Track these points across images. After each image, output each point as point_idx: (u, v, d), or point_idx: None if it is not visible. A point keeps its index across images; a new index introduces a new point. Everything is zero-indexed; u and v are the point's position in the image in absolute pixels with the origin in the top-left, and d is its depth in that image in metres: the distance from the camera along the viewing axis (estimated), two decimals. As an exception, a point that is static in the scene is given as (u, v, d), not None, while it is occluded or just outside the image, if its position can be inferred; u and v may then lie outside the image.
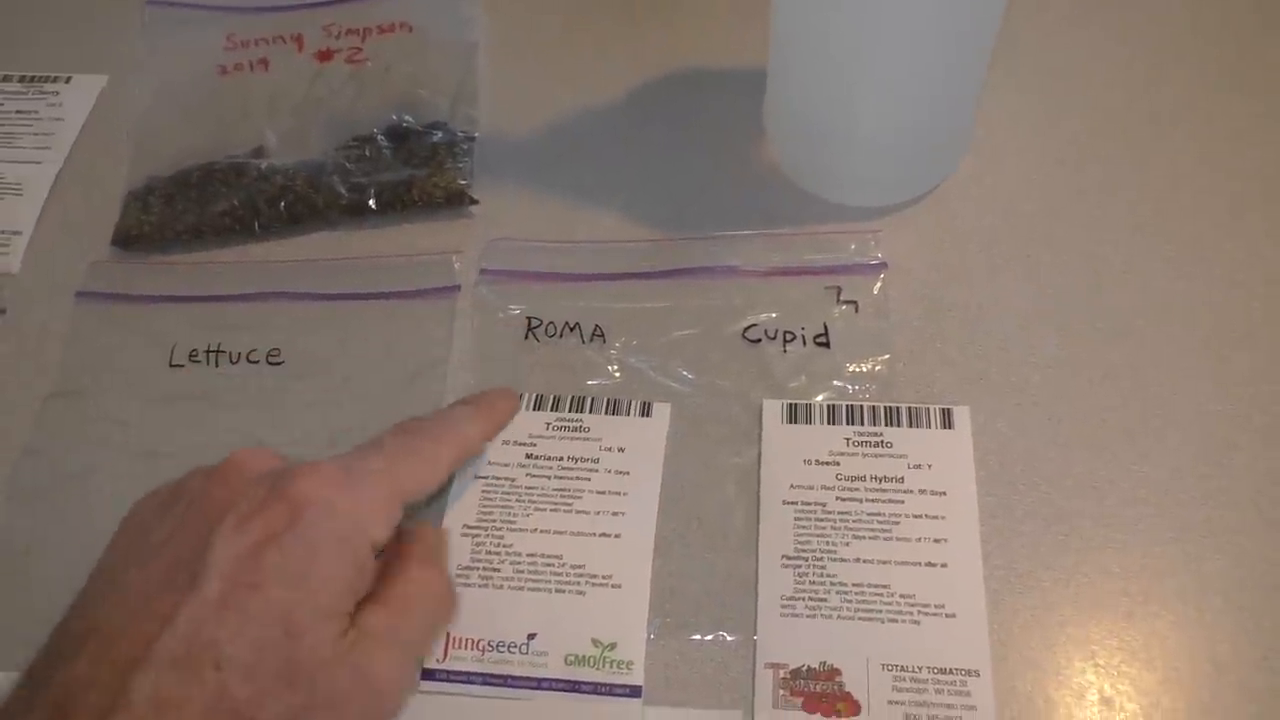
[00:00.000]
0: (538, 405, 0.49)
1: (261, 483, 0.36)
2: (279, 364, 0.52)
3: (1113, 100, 0.60)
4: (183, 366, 0.53)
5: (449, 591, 0.40)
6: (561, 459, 0.48)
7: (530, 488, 0.47)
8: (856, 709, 0.41)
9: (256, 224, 0.56)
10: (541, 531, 0.46)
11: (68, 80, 0.65)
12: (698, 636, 0.44)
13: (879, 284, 0.53)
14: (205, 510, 0.36)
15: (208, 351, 0.53)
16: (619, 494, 0.46)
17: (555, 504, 0.46)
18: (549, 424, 0.49)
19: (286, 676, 0.33)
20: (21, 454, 0.50)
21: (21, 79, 0.65)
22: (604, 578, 0.44)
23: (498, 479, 0.47)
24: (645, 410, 0.49)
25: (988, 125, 0.58)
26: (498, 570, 0.45)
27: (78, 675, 0.32)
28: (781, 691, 0.42)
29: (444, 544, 0.43)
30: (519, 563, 0.45)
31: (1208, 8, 0.64)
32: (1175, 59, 0.62)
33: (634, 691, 0.42)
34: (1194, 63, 0.61)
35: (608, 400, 0.49)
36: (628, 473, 0.47)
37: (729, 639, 0.44)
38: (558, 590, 0.44)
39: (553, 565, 0.45)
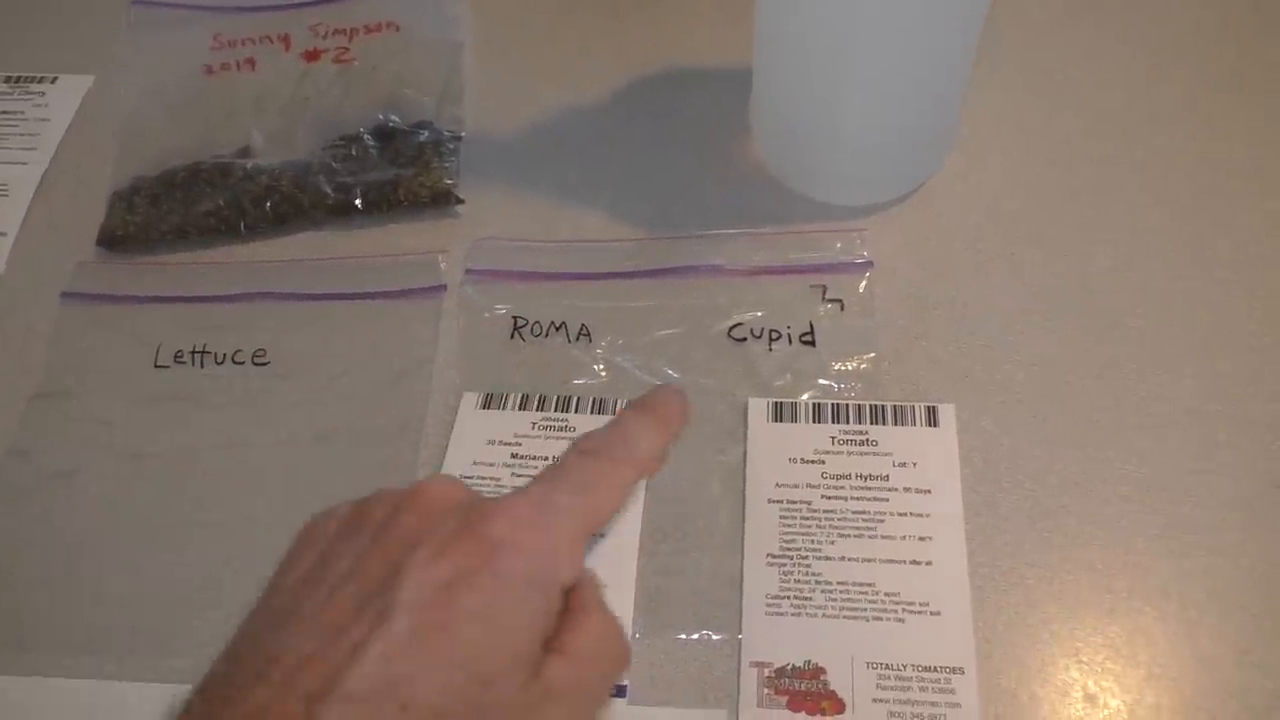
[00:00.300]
0: (523, 405, 0.49)
1: (454, 517, 0.34)
2: (264, 364, 0.52)
3: (1100, 98, 0.60)
4: (168, 367, 0.52)
5: (626, 644, 0.37)
6: (547, 458, 0.47)
7: (515, 489, 0.46)
8: (841, 707, 0.41)
9: (242, 224, 0.56)
10: None
11: (54, 81, 0.65)
12: (683, 635, 0.44)
13: (864, 282, 0.53)
14: (395, 539, 0.33)
15: (193, 352, 0.53)
16: None
17: None
18: (534, 424, 0.49)
19: None
20: (6, 454, 0.50)
21: (7, 79, 0.65)
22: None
23: (482, 479, 0.47)
24: None
25: (973, 123, 0.58)
26: None
27: (259, 703, 0.30)
28: (766, 690, 0.42)
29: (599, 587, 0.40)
30: None
31: (1200, 6, 0.64)
32: (1165, 57, 0.62)
33: (619, 691, 0.42)
34: (1185, 61, 0.61)
35: (593, 400, 0.49)
36: None
37: (714, 638, 0.44)
38: None
39: None
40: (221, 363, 0.52)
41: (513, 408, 0.49)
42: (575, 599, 0.35)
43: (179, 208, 0.57)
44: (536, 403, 0.49)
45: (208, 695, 0.31)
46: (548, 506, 0.34)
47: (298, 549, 0.35)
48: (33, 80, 0.65)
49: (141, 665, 0.44)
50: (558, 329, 0.52)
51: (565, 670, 0.33)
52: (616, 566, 0.45)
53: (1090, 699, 0.42)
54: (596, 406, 0.49)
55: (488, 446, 0.48)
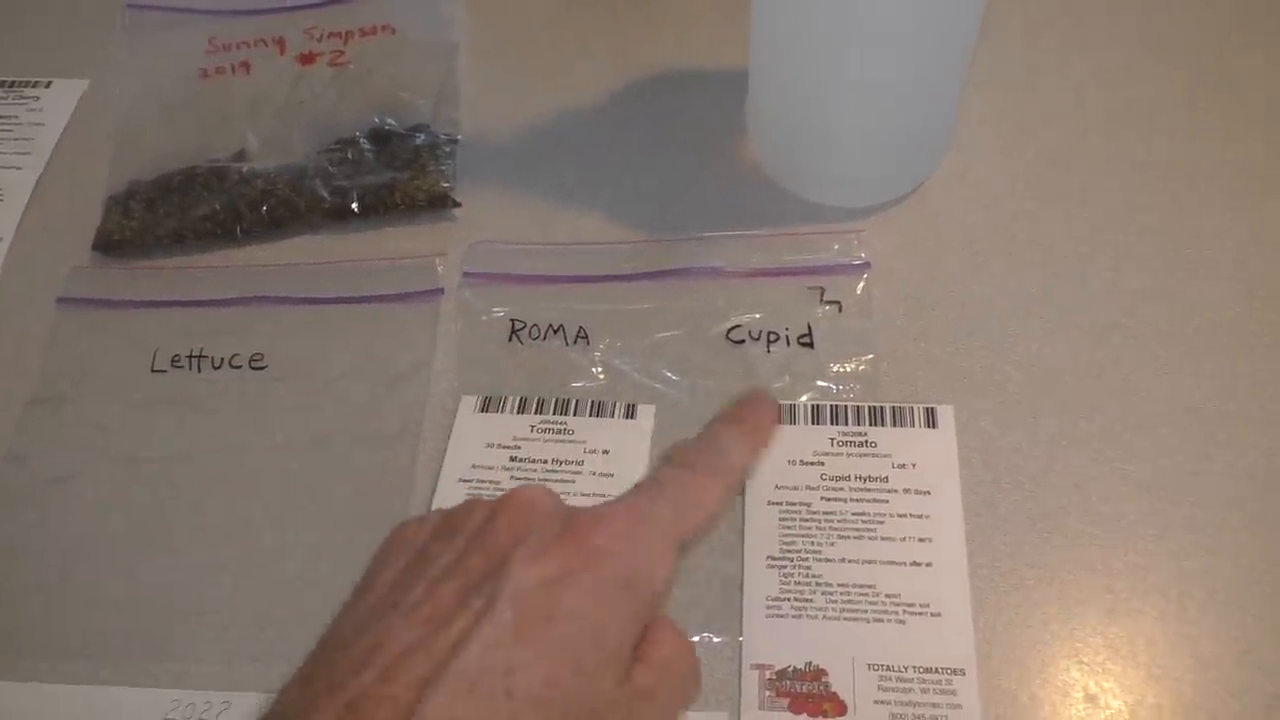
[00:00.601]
0: (522, 408, 0.49)
1: (554, 520, 0.34)
2: (262, 368, 0.52)
3: (1098, 98, 0.60)
4: (165, 371, 0.52)
5: (698, 661, 0.37)
6: (546, 461, 0.47)
7: (615, 498, 0.46)
8: (843, 709, 0.41)
9: (238, 228, 0.56)
10: None
11: (48, 85, 0.65)
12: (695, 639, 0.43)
13: (862, 284, 0.53)
14: (497, 537, 0.34)
15: (190, 356, 0.53)
16: (602, 496, 0.46)
17: None
18: (533, 426, 0.49)
19: (573, 715, 0.31)
20: (2, 460, 0.50)
21: (1, 84, 0.65)
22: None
23: (482, 482, 0.47)
24: (629, 412, 0.49)
25: (970, 123, 0.58)
26: None
27: (366, 689, 0.30)
28: (768, 692, 0.42)
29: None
30: None
31: (1199, 6, 0.64)
32: (1163, 57, 0.62)
33: None
34: (1183, 61, 0.61)
35: (592, 403, 0.49)
36: (611, 475, 0.47)
37: (715, 640, 0.43)
38: None
39: None
40: (219, 367, 0.52)
41: (511, 411, 0.49)
42: (658, 615, 0.35)
43: (175, 212, 0.57)
44: (535, 406, 0.49)
45: (306, 687, 0.31)
46: (645, 518, 0.35)
47: (388, 551, 0.35)
48: (27, 85, 0.65)
49: (137, 670, 0.44)
50: (556, 332, 0.52)
51: (652, 678, 0.34)
52: None
53: (1091, 699, 0.42)
54: (595, 409, 0.49)
55: (487, 449, 0.48)
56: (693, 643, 0.36)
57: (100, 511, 0.48)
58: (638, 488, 0.36)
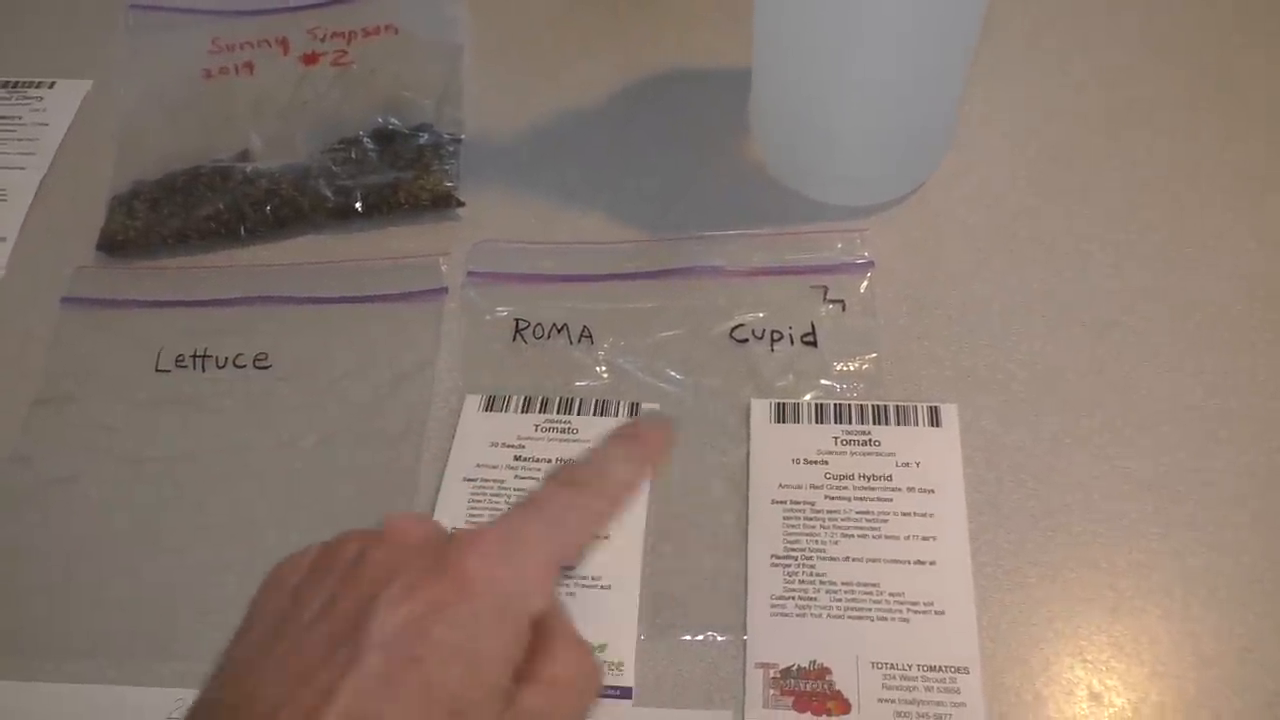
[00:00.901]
0: (526, 407, 0.49)
1: (424, 553, 0.34)
2: (266, 368, 0.52)
3: (1098, 98, 0.60)
4: (169, 371, 0.52)
5: (597, 669, 0.38)
6: (550, 460, 0.48)
7: (519, 490, 0.47)
8: (847, 707, 0.41)
9: (242, 228, 0.56)
10: None
11: (51, 85, 0.65)
12: (688, 637, 0.44)
13: (865, 283, 0.53)
14: (366, 577, 0.34)
15: (194, 356, 0.53)
16: None
17: None
18: (537, 425, 0.49)
19: None
20: (7, 460, 0.50)
21: (5, 84, 0.65)
22: (593, 579, 0.44)
23: (486, 481, 0.47)
24: (633, 411, 0.49)
25: (971, 123, 0.58)
26: None
27: None
28: (772, 691, 0.42)
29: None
30: None
31: (1200, 6, 0.64)
32: (1164, 57, 0.62)
33: (625, 693, 0.42)
34: (1184, 61, 0.62)
35: (595, 401, 0.49)
36: None
37: (719, 639, 0.44)
38: None
39: None
40: (223, 366, 0.52)
41: (515, 410, 0.49)
42: (546, 627, 0.35)
43: (179, 212, 0.57)
44: (539, 405, 0.49)
45: None
46: (518, 539, 0.35)
47: (265, 595, 0.35)
48: (30, 85, 0.65)
49: (141, 669, 0.44)
50: (559, 331, 0.52)
51: (540, 698, 0.34)
52: (621, 569, 0.45)
53: (1095, 697, 0.42)
54: (599, 408, 0.49)
55: (491, 449, 0.48)
56: (588, 647, 0.36)
57: (105, 511, 0.49)
58: (515, 507, 0.36)
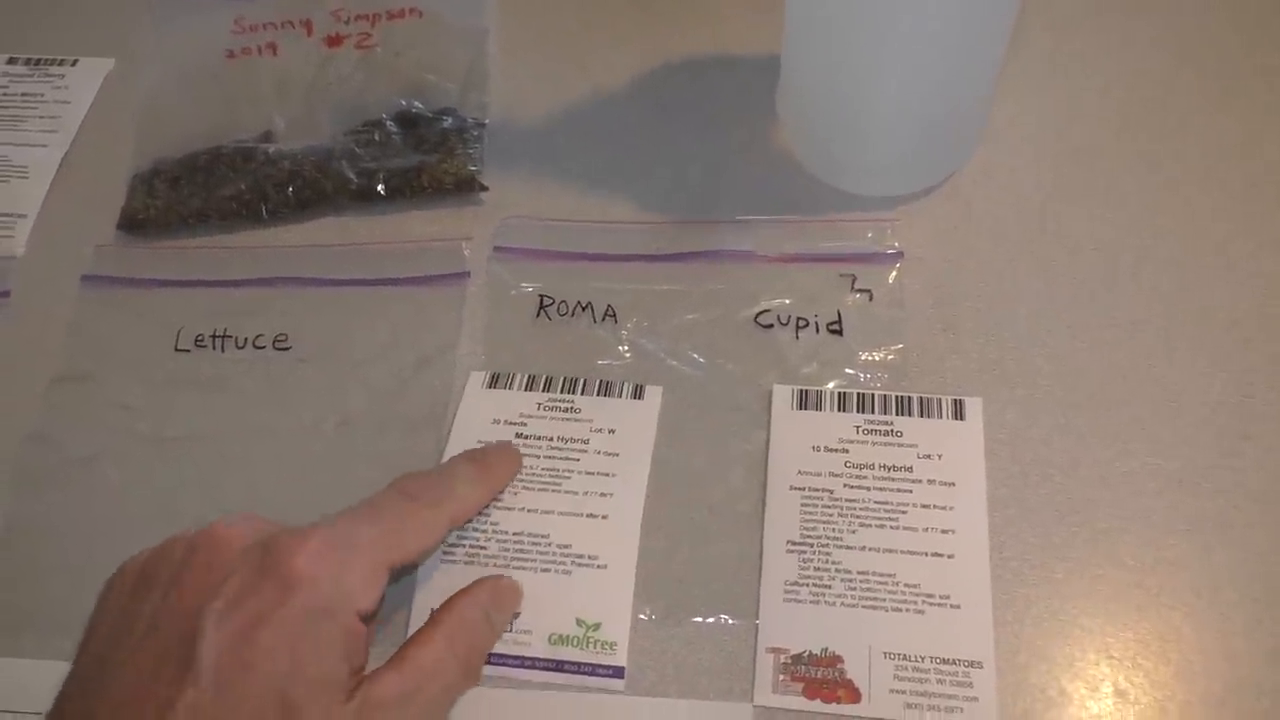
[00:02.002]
0: (530, 385, 0.52)
1: (248, 559, 0.38)
2: (286, 349, 0.55)
3: (1128, 95, 0.62)
4: (189, 351, 0.56)
5: (470, 658, 0.42)
6: (551, 439, 0.50)
7: (521, 467, 0.50)
8: (857, 696, 0.44)
9: (264, 209, 0.60)
10: (529, 510, 0.48)
11: (74, 63, 0.69)
12: (699, 619, 0.46)
13: (894, 273, 0.55)
14: (191, 590, 0.37)
15: (214, 336, 0.56)
16: (607, 475, 0.49)
17: (544, 483, 0.49)
18: (540, 404, 0.52)
19: None
20: (26, 439, 0.53)
21: (28, 62, 0.69)
22: (589, 558, 0.47)
23: (488, 459, 0.50)
24: (637, 393, 0.52)
25: (1001, 118, 0.60)
26: (484, 548, 0.48)
27: None
28: (782, 676, 0.44)
29: (507, 595, 0.45)
30: (505, 541, 0.48)
31: (1224, 9, 0.66)
32: (1195, 54, 0.64)
33: (616, 672, 0.45)
34: (1215, 58, 0.63)
35: (600, 382, 0.52)
36: (617, 454, 0.50)
37: (731, 622, 0.46)
38: (543, 569, 0.47)
39: (539, 544, 0.48)
40: (243, 347, 0.55)
41: (520, 388, 0.52)
42: (433, 618, 0.41)
43: (200, 191, 0.60)
44: (543, 384, 0.52)
45: None
46: (345, 538, 0.39)
47: (101, 608, 0.39)
48: (53, 63, 0.68)
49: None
50: (584, 309, 0.55)
51: (393, 684, 0.38)
52: (617, 549, 0.47)
53: (1121, 694, 0.44)
54: (604, 389, 0.52)
55: (493, 425, 0.51)
56: (471, 640, 0.41)
57: (124, 491, 0.51)
58: (349, 510, 0.40)
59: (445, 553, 0.48)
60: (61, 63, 0.69)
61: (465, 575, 0.47)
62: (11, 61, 0.69)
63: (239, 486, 0.51)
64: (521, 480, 0.49)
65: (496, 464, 0.47)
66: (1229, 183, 0.58)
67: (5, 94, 0.67)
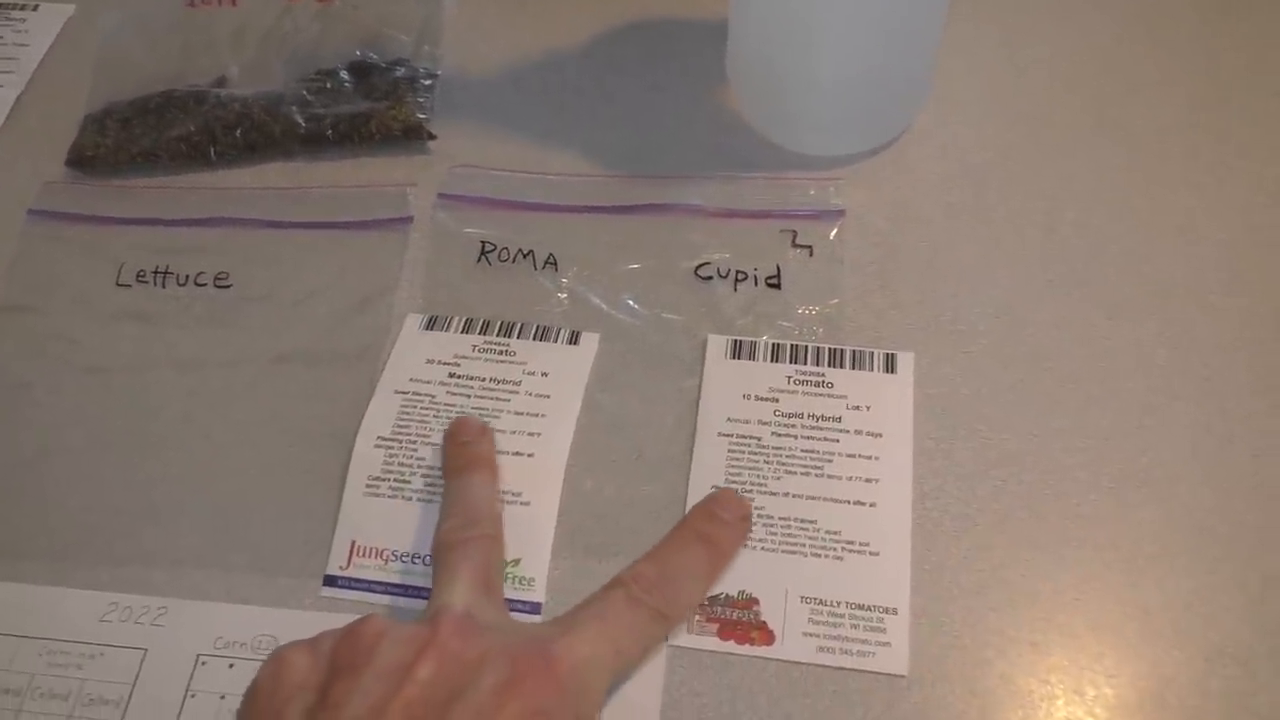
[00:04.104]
0: (466, 328, 0.51)
1: (494, 672, 0.35)
2: (227, 287, 0.54)
3: (1072, 60, 0.61)
4: (129, 286, 0.55)
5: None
6: (484, 380, 0.49)
7: (449, 405, 0.49)
8: (770, 638, 0.43)
9: (212, 151, 0.58)
10: None
11: (35, 8, 0.68)
12: (620, 558, 0.45)
13: (835, 230, 0.54)
14: (426, 691, 0.35)
15: (155, 273, 0.55)
16: (537, 415, 0.48)
17: None
18: (475, 346, 0.50)
19: None
20: (-36, 366, 0.52)
21: (-11, 6, 0.68)
22: (513, 495, 0.46)
23: (418, 395, 0.49)
24: (573, 338, 0.51)
25: (946, 81, 0.59)
26: (408, 482, 0.47)
27: None
28: (698, 617, 0.43)
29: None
30: (430, 476, 0.47)
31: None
32: (1137, 22, 0.63)
33: (534, 608, 0.44)
34: (1157, 26, 0.62)
35: (537, 327, 0.51)
36: (548, 396, 0.49)
37: (649, 563, 0.45)
38: None
39: None
40: (184, 284, 0.54)
41: (456, 330, 0.51)
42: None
43: (150, 132, 0.59)
44: (480, 326, 0.51)
45: None
46: (589, 664, 0.37)
47: (272, 693, 0.35)
48: (14, 7, 0.67)
49: (83, 573, 0.46)
50: (525, 256, 0.54)
51: None
52: (541, 487, 0.47)
53: (1033, 645, 0.43)
54: (540, 334, 0.51)
55: (427, 365, 0.50)
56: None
57: (59, 419, 0.51)
58: (584, 619, 0.38)
59: (370, 486, 0.47)
60: (23, 7, 0.68)
61: (387, 509, 0.46)
62: (-27, 5, 0.68)
63: (172, 418, 0.50)
64: (449, 417, 0.48)
65: (725, 539, 0.43)
66: (1173, 150, 0.57)
67: (-35, 37, 0.66)
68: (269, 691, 0.36)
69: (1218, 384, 0.49)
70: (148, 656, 0.44)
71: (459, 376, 0.49)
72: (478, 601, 0.39)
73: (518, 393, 0.49)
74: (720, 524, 0.42)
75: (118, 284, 0.54)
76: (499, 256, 0.54)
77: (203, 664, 0.43)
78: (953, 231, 0.54)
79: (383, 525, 0.46)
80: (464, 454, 0.46)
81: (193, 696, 0.43)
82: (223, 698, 0.42)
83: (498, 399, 0.49)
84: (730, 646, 0.43)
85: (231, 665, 0.43)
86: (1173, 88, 0.60)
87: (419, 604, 0.44)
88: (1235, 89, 0.59)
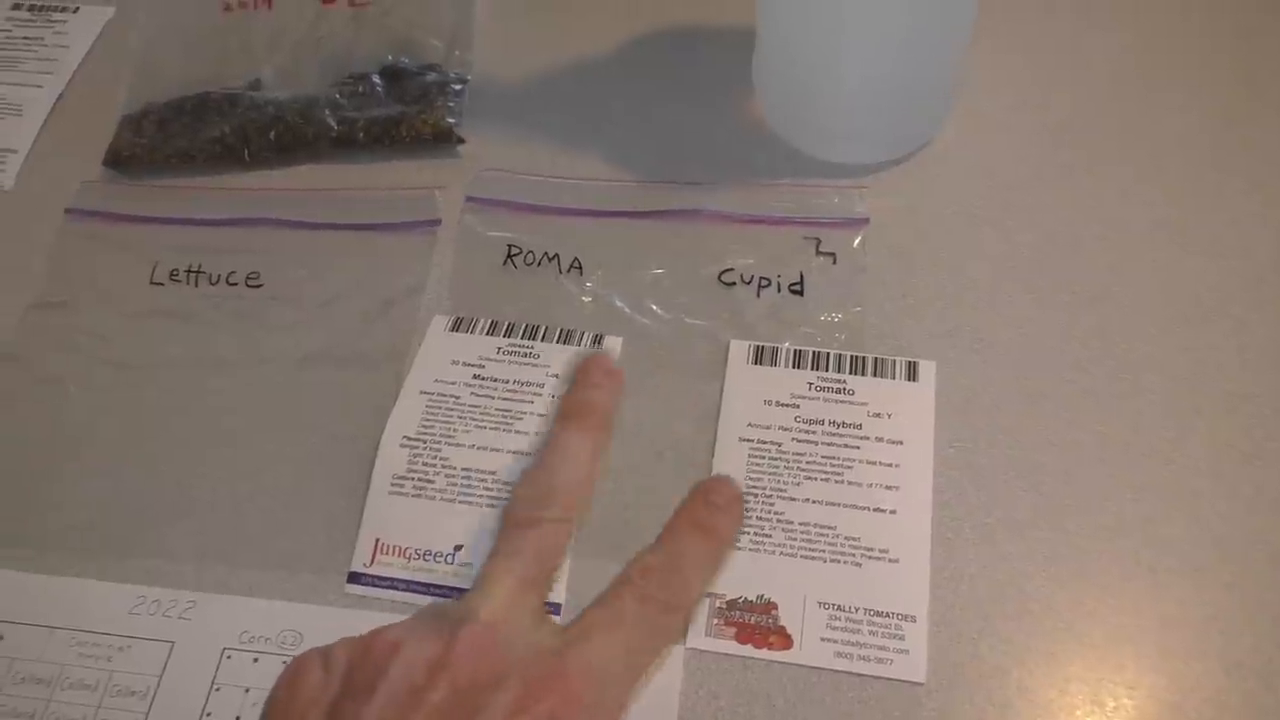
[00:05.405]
0: (492, 330, 0.51)
1: (508, 690, 0.35)
2: (258, 287, 0.54)
3: (1098, 75, 0.60)
4: (163, 285, 0.55)
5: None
6: (507, 381, 0.49)
7: (473, 406, 0.49)
8: (788, 643, 0.42)
9: (246, 152, 0.59)
10: (478, 448, 0.47)
11: (75, 11, 0.68)
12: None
13: (859, 238, 0.54)
14: (450, 699, 0.34)
15: (189, 271, 0.55)
16: None
17: (496, 423, 0.48)
18: (499, 348, 0.50)
19: None
20: (1, 357, 0.53)
21: (31, 8, 0.68)
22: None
23: (443, 395, 0.49)
24: (597, 341, 0.50)
25: (971, 93, 0.58)
26: (432, 482, 0.47)
27: None
28: (716, 620, 0.43)
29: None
30: (453, 476, 0.47)
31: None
32: (1164, 37, 0.62)
33: (554, 608, 0.44)
34: (1184, 41, 0.62)
35: (561, 330, 0.51)
36: None
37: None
38: (488, 505, 0.46)
39: (485, 482, 0.47)
40: (215, 283, 0.54)
41: (481, 332, 0.51)
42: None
43: (185, 133, 0.59)
44: (505, 329, 0.51)
45: None
46: (603, 680, 0.36)
47: (290, 704, 0.35)
48: (55, 9, 0.68)
49: (112, 565, 0.47)
50: (551, 260, 0.54)
51: None
52: None
53: (1051, 656, 0.43)
54: (563, 337, 0.51)
55: (452, 366, 0.50)
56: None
57: (89, 413, 0.51)
58: (590, 620, 0.37)
59: (395, 485, 0.47)
60: (64, 10, 0.68)
61: (411, 508, 0.46)
62: (16, 7, 0.68)
63: (200, 414, 0.51)
64: (474, 419, 0.48)
65: (724, 526, 0.41)
66: (1198, 165, 0.56)
67: (8, 37, 0.67)
68: (284, 705, 0.35)
69: (1242, 401, 0.48)
70: (175, 649, 0.44)
71: (483, 378, 0.49)
72: (514, 604, 0.38)
73: (541, 395, 0.49)
74: (715, 510, 0.40)
75: (151, 282, 0.55)
76: (525, 259, 0.54)
77: (228, 657, 0.43)
78: (975, 242, 0.54)
79: (407, 524, 0.46)
80: (577, 399, 0.42)
81: (218, 689, 0.43)
82: (247, 691, 0.42)
83: (521, 401, 0.49)
84: (748, 650, 0.42)
85: (256, 659, 0.43)
86: (1199, 103, 0.59)
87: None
88: (1265, 104, 0.59)
